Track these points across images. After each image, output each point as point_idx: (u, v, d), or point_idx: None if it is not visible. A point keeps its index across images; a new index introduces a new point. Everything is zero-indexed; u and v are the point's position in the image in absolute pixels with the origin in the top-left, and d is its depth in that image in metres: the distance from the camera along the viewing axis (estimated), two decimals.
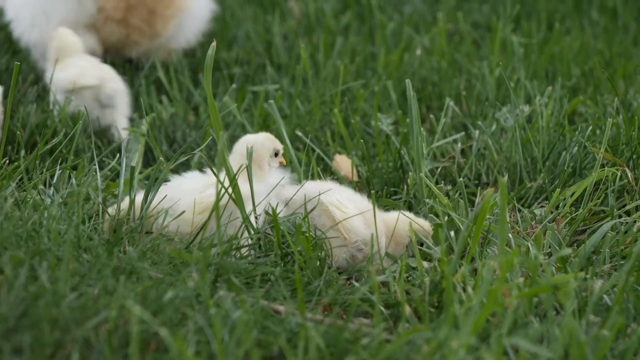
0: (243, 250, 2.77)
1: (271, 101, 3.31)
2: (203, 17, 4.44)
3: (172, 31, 4.26)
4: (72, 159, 3.28)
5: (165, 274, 2.52)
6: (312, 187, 2.97)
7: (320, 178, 3.27)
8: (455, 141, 3.65)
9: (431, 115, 3.85)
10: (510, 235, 2.88)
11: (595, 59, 4.54)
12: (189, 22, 4.34)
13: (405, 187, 3.29)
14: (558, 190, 3.16)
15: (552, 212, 3.14)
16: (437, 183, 3.33)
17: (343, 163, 3.48)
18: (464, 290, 2.56)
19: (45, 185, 3.10)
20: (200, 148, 3.31)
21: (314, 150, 3.51)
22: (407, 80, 3.20)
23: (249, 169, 2.84)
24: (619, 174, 3.22)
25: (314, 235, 2.78)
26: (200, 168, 3.14)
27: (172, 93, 4.12)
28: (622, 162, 3.31)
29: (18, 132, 3.45)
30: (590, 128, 3.53)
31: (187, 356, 2.14)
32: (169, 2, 4.17)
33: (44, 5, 4.06)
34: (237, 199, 2.78)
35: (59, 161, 3.28)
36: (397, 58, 4.41)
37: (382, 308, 2.56)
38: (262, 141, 3.00)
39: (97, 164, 3.09)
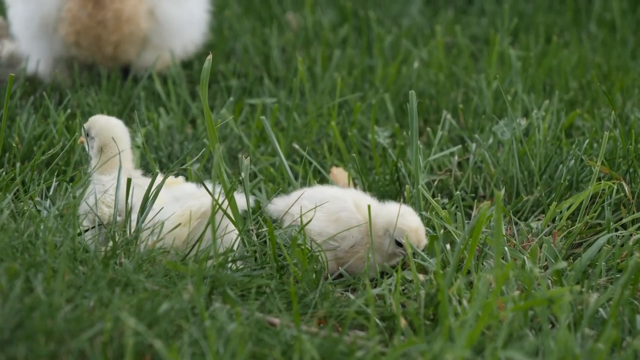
0: (238, 263, 2.77)
1: (263, 117, 3.32)
2: (190, 31, 4.59)
3: (137, 51, 4.45)
4: (69, 170, 3.29)
5: (160, 286, 2.52)
6: (295, 196, 3.01)
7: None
8: (452, 154, 3.65)
9: (428, 128, 3.85)
10: (506, 248, 2.89)
11: (593, 72, 4.54)
12: (162, 39, 4.49)
13: (402, 199, 3.29)
14: (555, 203, 3.16)
15: (548, 225, 3.14)
16: (433, 196, 3.34)
17: (340, 176, 3.48)
18: (460, 303, 2.56)
19: (41, 197, 3.10)
20: (193, 160, 3.31)
21: (310, 163, 3.51)
22: (412, 92, 3.19)
23: (245, 181, 2.85)
24: (615, 187, 3.22)
25: (309, 248, 2.79)
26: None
27: (170, 105, 4.12)
28: (618, 176, 3.31)
29: (14, 144, 3.45)
30: (587, 141, 3.53)
31: None
32: (113, 28, 4.35)
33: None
34: (233, 211, 2.79)
35: (56, 173, 3.28)
36: (394, 71, 4.42)
37: (378, 320, 2.55)
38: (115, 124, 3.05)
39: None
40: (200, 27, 4.61)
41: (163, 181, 2.83)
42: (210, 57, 2.90)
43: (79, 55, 4.40)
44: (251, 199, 3.02)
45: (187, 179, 3.15)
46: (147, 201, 2.80)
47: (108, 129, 3.03)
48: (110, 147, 3.02)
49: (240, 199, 2.88)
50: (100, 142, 3.02)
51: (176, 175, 3.07)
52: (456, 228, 3.02)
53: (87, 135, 3.06)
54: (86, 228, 2.87)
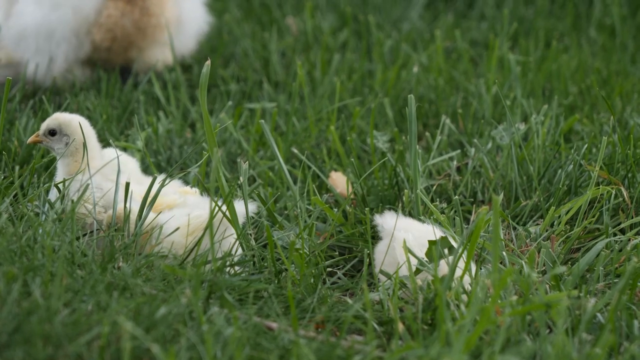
0: (236, 267, 2.77)
1: (262, 120, 3.32)
2: (198, 29, 4.65)
3: (155, 52, 4.49)
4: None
5: (158, 290, 2.52)
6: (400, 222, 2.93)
7: (315, 195, 3.26)
8: (451, 159, 3.65)
9: (427, 133, 3.86)
10: (504, 253, 2.88)
11: (592, 77, 4.54)
12: (180, 41, 4.55)
13: (401, 204, 3.30)
14: (553, 208, 3.16)
15: (546, 230, 3.14)
16: (432, 200, 3.33)
17: (339, 180, 3.48)
18: (458, 307, 2.56)
19: (40, 200, 3.10)
20: (196, 165, 3.31)
21: (309, 167, 3.51)
22: (410, 96, 3.19)
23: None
24: (614, 192, 3.22)
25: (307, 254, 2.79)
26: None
27: (169, 109, 4.13)
28: (617, 181, 3.31)
29: (13, 147, 3.45)
30: (586, 146, 3.53)
31: None
32: (151, 35, 4.40)
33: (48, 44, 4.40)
34: (232, 217, 2.79)
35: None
36: (394, 75, 4.42)
37: (375, 325, 2.55)
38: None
39: (92, 180, 3.08)
40: (203, 23, 4.64)
41: (161, 188, 2.83)
42: (208, 62, 2.91)
43: (100, 57, 4.42)
44: (252, 204, 3.02)
45: (185, 183, 3.15)
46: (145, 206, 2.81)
47: (81, 127, 3.06)
48: (81, 145, 3.06)
49: (240, 204, 2.89)
50: (78, 141, 3.05)
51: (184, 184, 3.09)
52: (455, 233, 3.02)
53: (53, 134, 3.07)
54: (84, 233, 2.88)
